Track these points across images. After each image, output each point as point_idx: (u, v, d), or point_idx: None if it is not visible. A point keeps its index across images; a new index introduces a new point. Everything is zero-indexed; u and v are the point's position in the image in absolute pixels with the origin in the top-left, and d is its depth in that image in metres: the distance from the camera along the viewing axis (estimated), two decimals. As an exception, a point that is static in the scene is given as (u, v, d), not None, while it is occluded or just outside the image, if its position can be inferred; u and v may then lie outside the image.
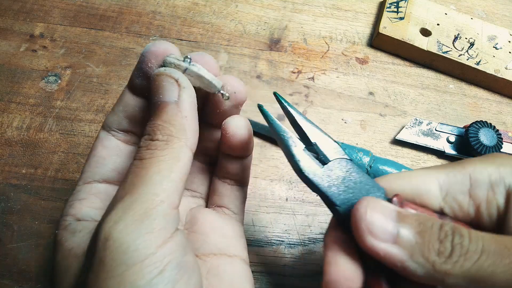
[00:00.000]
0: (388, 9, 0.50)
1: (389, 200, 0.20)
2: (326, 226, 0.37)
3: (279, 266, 0.35)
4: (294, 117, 0.22)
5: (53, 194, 0.36)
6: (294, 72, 0.47)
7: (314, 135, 0.22)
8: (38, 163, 0.38)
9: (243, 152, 0.26)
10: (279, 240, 0.36)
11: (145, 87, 0.23)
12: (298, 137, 0.23)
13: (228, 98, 0.24)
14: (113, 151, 0.25)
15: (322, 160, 0.21)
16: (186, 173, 0.20)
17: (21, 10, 0.47)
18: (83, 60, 0.45)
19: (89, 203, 0.23)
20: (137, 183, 0.19)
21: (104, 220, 0.18)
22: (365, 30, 0.52)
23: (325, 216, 0.38)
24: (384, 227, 0.18)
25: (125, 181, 0.19)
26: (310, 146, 0.22)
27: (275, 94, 0.24)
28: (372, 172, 0.37)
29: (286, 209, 0.38)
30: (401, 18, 0.49)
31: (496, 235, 0.17)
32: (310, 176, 0.21)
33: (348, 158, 0.22)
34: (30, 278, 0.33)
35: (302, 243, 0.36)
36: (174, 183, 0.19)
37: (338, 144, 0.22)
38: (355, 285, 0.19)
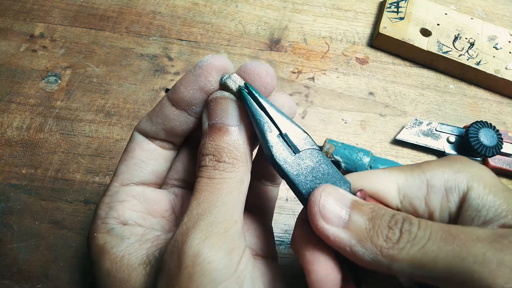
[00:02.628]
0: (388, 9, 0.50)
1: (353, 194, 0.21)
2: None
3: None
4: (265, 108, 0.22)
5: (53, 194, 0.36)
6: (294, 72, 0.47)
7: (284, 126, 0.22)
8: (38, 163, 0.38)
9: None
10: (279, 240, 0.36)
11: (196, 101, 0.23)
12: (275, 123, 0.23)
13: None
14: (152, 154, 0.25)
15: (293, 149, 0.22)
16: (246, 193, 0.22)
17: (21, 10, 0.47)
18: (83, 60, 0.45)
19: (130, 205, 0.24)
20: (213, 201, 0.20)
21: (188, 235, 0.19)
22: (365, 30, 0.52)
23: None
24: (335, 212, 0.19)
25: (198, 197, 0.20)
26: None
27: (245, 84, 0.23)
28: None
29: (286, 209, 0.38)
30: (401, 18, 0.49)
31: (444, 224, 0.18)
32: (281, 162, 0.21)
33: (319, 149, 0.22)
34: (30, 278, 0.33)
35: (302, 243, 0.36)
36: (242, 203, 0.21)
37: (308, 135, 0.23)
38: (338, 281, 0.19)
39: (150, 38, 0.47)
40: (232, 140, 0.22)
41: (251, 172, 0.27)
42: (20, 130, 0.40)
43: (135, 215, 0.23)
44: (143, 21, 0.48)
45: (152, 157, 0.25)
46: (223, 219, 0.19)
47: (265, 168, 0.27)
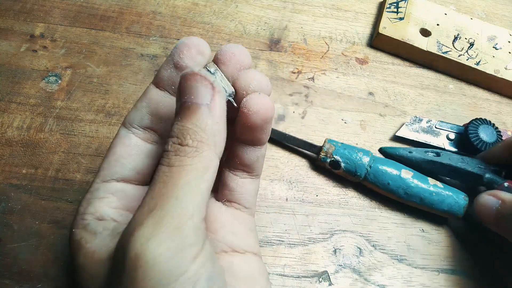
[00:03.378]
0: (388, 10, 0.50)
1: None
2: (326, 226, 0.37)
3: (279, 266, 0.35)
4: None
5: (53, 194, 0.37)
6: (294, 72, 0.47)
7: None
8: (39, 163, 0.38)
9: (262, 135, 0.24)
10: (279, 240, 0.36)
11: (173, 79, 0.23)
12: None
13: (236, 107, 0.23)
14: (133, 149, 0.24)
15: None
16: (213, 181, 0.19)
17: (22, 10, 0.48)
18: (83, 60, 0.45)
19: (108, 202, 0.23)
20: (166, 194, 0.18)
21: (133, 234, 0.17)
22: (365, 31, 0.52)
23: (325, 216, 0.38)
24: None
25: (153, 189, 0.18)
26: None
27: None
28: (372, 172, 0.37)
29: (286, 209, 0.38)
30: (401, 19, 0.49)
31: None
32: None
33: None
34: (30, 278, 0.33)
35: (302, 243, 0.36)
36: (202, 194, 0.18)
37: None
38: None
39: (150, 38, 0.47)
40: (200, 120, 0.19)
41: (226, 163, 0.26)
42: (21, 130, 0.40)
43: (112, 211, 0.22)
44: (143, 21, 0.48)
45: (133, 153, 0.24)
46: (176, 214, 0.17)
47: (241, 157, 0.25)
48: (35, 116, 0.41)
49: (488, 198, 0.32)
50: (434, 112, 0.46)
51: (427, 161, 0.39)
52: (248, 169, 0.25)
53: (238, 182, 0.25)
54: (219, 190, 0.27)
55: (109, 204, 0.23)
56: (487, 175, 0.36)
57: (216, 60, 0.23)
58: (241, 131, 0.24)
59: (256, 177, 0.26)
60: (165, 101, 0.24)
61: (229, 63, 0.23)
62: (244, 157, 0.25)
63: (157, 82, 0.24)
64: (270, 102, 0.23)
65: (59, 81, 0.43)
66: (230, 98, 0.23)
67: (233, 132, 0.24)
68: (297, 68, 0.47)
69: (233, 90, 0.23)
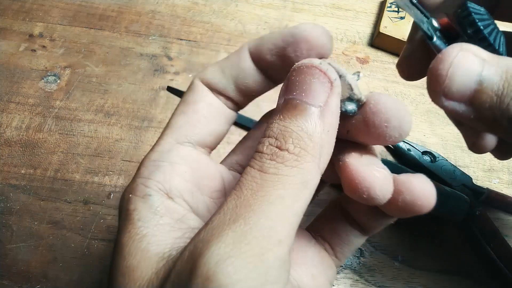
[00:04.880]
0: (388, 9, 0.50)
1: None
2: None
3: (279, 266, 0.35)
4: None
5: (52, 194, 0.36)
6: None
7: None
8: (37, 163, 0.38)
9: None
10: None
11: (274, 67, 0.19)
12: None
13: (355, 113, 0.18)
14: (217, 111, 0.20)
15: None
16: (307, 203, 0.15)
17: (21, 10, 0.47)
18: (82, 59, 0.44)
19: (181, 171, 0.19)
20: (254, 206, 0.14)
21: (208, 246, 0.13)
22: (366, 30, 0.51)
23: (325, 216, 0.38)
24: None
25: (239, 196, 0.15)
26: None
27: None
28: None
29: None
30: (402, 18, 0.49)
31: None
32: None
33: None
34: (29, 279, 0.33)
35: (302, 244, 0.36)
36: (295, 217, 0.15)
37: None
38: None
39: (150, 38, 0.47)
40: (307, 124, 0.16)
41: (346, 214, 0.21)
42: (19, 130, 0.40)
43: (183, 185, 0.18)
44: (143, 21, 0.48)
45: (217, 115, 0.20)
46: (261, 235, 0.14)
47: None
48: (34, 116, 0.40)
49: (466, 57, 0.17)
50: (434, 112, 0.46)
51: (421, 166, 0.38)
52: (365, 228, 0.21)
53: (346, 228, 0.21)
54: (315, 223, 0.22)
55: (182, 174, 0.19)
56: (470, 200, 0.36)
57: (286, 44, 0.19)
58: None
59: (366, 236, 0.21)
60: (259, 81, 0.20)
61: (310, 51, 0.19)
62: (365, 215, 0.20)
63: (256, 59, 0.20)
64: (432, 190, 0.17)
65: (58, 81, 0.43)
66: (352, 107, 0.18)
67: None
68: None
69: (362, 97, 0.18)
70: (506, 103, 0.16)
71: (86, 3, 0.49)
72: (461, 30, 0.19)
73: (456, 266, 0.36)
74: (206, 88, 0.20)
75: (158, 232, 0.17)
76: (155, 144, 0.19)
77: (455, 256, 0.37)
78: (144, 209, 0.17)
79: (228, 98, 0.21)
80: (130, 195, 0.18)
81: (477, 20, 0.19)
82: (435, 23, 0.20)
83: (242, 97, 0.21)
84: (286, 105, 0.16)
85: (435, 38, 0.19)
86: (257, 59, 0.20)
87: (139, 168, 0.19)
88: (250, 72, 0.20)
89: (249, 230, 0.14)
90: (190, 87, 0.21)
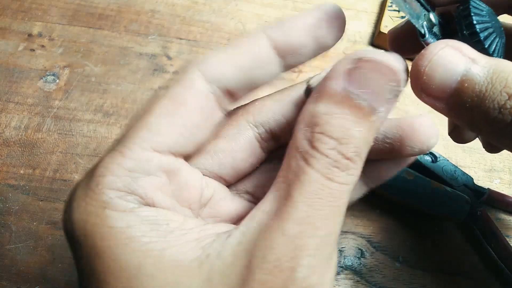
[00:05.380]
0: (389, 8, 0.50)
1: None
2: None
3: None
4: None
5: (51, 194, 0.36)
6: (294, 72, 0.46)
7: None
8: (36, 163, 0.38)
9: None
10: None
11: (305, 49, 0.17)
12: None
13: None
14: (211, 116, 0.17)
15: None
16: None
17: (19, 9, 0.47)
18: (81, 59, 0.44)
19: (160, 184, 0.16)
20: (324, 218, 0.14)
21: (297, 261, 0.13)
22: (367, 29, 0.51)
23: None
24: None
25: (304, 201, 0.14)
26: None
27: None
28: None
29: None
30: (403, 17, 0.49)
31: None
32: None
33: None
34: (28, 279, 0.33)
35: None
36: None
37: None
38: None
39: (149, 37, 0.47)
40: (370, 132, 0.15)
41: None
42: (18, 130, 0.39)
43: (163, 200, 0.16)
44: (142, 20, 0.48)
45: (208, 122, 0.17)
46: (330, 241, 0.14)
47: None
48: (32, 116, 0.40)
49: (452, 53, 0.16)
50: (436, 112, 0.46)
51: (422, 166, 0.38)
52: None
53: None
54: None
55: (162, 189, 0.16)
56: (472, 200, 0.36)
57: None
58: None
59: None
60: (272, 70, 0.17)
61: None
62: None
63: (283, 42, 0.17)
64: None
65: (57, 81, 0.43)
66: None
67: None
68: (297, 68, 0.47)
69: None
70: (487, 106, 0.15)
71: (85, 2, 0.48)
72: (458, 28, 0.19)
73: (457, 267, 0.36)
74: (204, 85, 0.17)
75: (174, 242, 0.14)
76: (121, 145, 0.16)
77: (456, 256, 0.37)
78: (142, 225, 0.14)
79: (230, 94, 0.17)
80: (107, 211, 0.14)
81: (475, 22, 0.18)
82: (432, 18, 0.19)
83: (244, 92, 0.18)
84: (347, 101, 0.14)
85: (427, 35, 0.18)
86: (284, 44, 0.17)
87: (103, 175, 0.15)
88: (269, 61, 0.17)
89: (325, 239, 0.14)
90: (183, 79, 0.17)
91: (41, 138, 0.39)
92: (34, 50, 0.44)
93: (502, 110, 0.15)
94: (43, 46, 0.45)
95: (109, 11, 0.48)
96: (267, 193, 0.16)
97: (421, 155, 0.39)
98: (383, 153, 0.18)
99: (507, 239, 0.35)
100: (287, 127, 0.19)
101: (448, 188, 0.36)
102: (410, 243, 0.37)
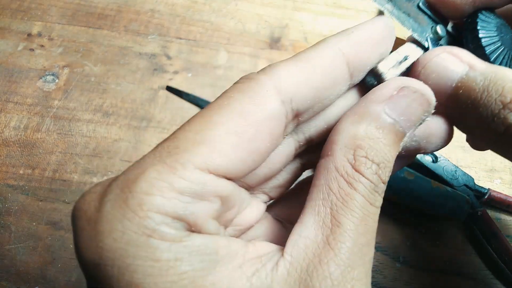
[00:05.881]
0: (389, 7, 0.50)
1: None
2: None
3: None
4: None
5: (50, 195, 0.36)
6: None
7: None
8: (36, 163, 0.38)
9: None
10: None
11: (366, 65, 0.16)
12: None
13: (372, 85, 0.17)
14: (274, 142, 0.15)
15: None
16: None
17: (19, 9, 0.47)
18: (81, 59, 0.44)
19: (212, 210, 0.14)
20: (370, 240, 0.14)
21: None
22: (367, 29, 0.51)
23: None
24: None
25: (354, 228, 0.14)
26: None
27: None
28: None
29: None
30: (403, 16, 0.49)
31: None
32: None
33: None
34: (28, 280, 0.33)
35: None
36: None
37: None
38: None
39: (149, 37, 0.47)
40: (397, 152, 0.15)
41: None
42: (18, 130, 0.39)
43: (214, 225, 0.14)
44: (142, 20, 0.48)
45: (274, 146, 0.15)
46: (370, 277, 0.14)
47: None
48: (32, 116, 0.40)
49: (448, 59, 0.16)
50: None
51: (423, 166, 0.38)
52: None
53: None
54: None
55: (213, 214, 0.14)
56: (472, 201, 0.35)
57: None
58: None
59: None
60: (342, 88, 0.16)
61: None
62: None
63: (355, 59, 0.16)
64: None
65: (56, 80, 0.43)
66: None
67: None
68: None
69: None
70: (481, 114, 0.15)
71: (85, 1, 0.48)
72: (464, 42, 0.19)
73: (457, 267, 0.36)
74: (279, 106, 0.14)
75: (227, 274, 0.13)
76: (176, 160, 0.13)
77: (457, 256, 0.37)
78: (190, 255, 0.12)
79: (296, 117, 0.16)
80: (151, 240, 0.12)
81: (481, 36, 0.18)
82: (439, 31, 0.19)
83: (309, 115, 0.16)
84: (390, 126, 0.15)
85: (431, 48, 0.19)
86: (355, 60, 0.16)
87: (147, 193, 0.12)
88: (341, 81, 0.16)
89: (370, 265, 0.14)
90: (256, 92, 0.14)
91: (40, 138, 0.39)
92: (33, 50, 0.44)
93: (496, 119, 0.15)
94: (42, 45, 0.45)
95: (109, 11, 0.48)
96: (303, 214, 0.15)
97: (422, 156, 0.39)
98: (410, 151, 0.18)
99: (508, 239, 0.35)
100: (326, 133, 0.18)
101: (449, 188, 0.36)
102: (410, 243, 0.37)
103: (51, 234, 0.34)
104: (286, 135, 0.16)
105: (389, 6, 0.18)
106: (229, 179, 0.14)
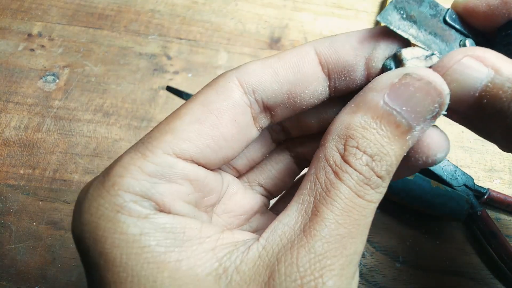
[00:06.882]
0: (389, 8, 0.50)
1: None
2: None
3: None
4: None
5: (51, 195, 0.36)
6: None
7: None
8: (36, 163, 0.38)
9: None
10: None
11: (352, 71, 0.16)
12: None
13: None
14: (241, 132, 0.16)
15: None
16: None
17: (19, 9, 0.47)
18: (81, 59, 0.44)
19: (183, 193, 0.15)
20: (356, 234, 0.14)
21: (322, 273, 0.13)
22: (366, 29, 0.51)
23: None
24: None
25: (337, 219, 0.14)
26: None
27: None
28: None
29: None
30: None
31: None
32: None
33: None
34: (28, 279, 0.33)
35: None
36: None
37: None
38: None
39: (149, 37, 0.47)
40: (403, 149, 0.14)
41: None
42: (18, 130, 0.39)
43: (182, 206, 0.15)
44: (142, 20, 0.48)
45: (242, 136, 0.16)
46: (352, 271, 0.14)
47: None
48: (32, 116, 0.40)
49: (469, 65, 0.15)
50: (436, 111, 0.46)
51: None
52: None
53: None
54: None
55: (183, 197, 0.15)
56: (472, 200, 0.35)
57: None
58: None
59: None
60: (317, 87, 0.16)
61: None
62: None
63: (328, 59, 0.16)
64: None
65: (57, 81, 0.43)
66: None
67: None
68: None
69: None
70: (509, 125, 0.14)
71: (85, 2, 0.48)
72: (496, 47, 0.17)
73: (457, 267, 0.36)
74: (241, 95, 0.15)
75: (190, 253, 0.14)
76: (146, 148, 0.15)
77: (456, 256, 0.37)
78: (157, 232, 0.13)
79: (268, 111, 0.16)
80: (119, 215, 0.13)
81: None
82: (468, 44, 0.17)
83: (284, 111, 0.16)
84: (387, 116, 0.14)
85: None
86: (332, 61, 0.16)
87: (119, 175, 0.14)
88: (314, 79, 0.16)
89: (351, 259, 0.14)
90: (219, 85, 0.15)
91: (41, 138, 0.39)
92: (34, 50, 0.44)
93: None
94: (43, 46, 0.45)
95: (109, 11, 0.48)
96: (290, 203, 0.15)
97: None
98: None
99: (507, 239, 0.35)
100: (298, 122, 0.19)
101: (448, 188, 0.36)
102: (410, 243, 0.37)
103: (51, 234, 0.34)
104: (262, 127, 0.17)
105: (413, 31, 0.16)
106: (200, 165, 0.16)
